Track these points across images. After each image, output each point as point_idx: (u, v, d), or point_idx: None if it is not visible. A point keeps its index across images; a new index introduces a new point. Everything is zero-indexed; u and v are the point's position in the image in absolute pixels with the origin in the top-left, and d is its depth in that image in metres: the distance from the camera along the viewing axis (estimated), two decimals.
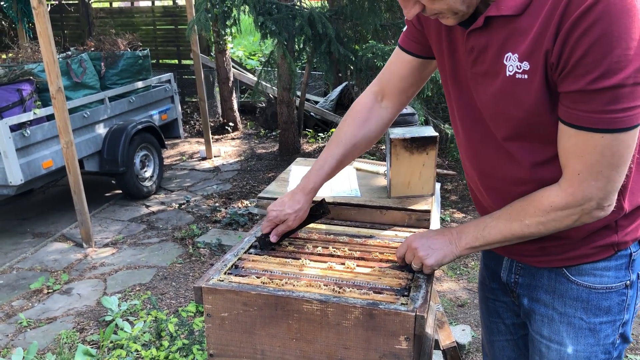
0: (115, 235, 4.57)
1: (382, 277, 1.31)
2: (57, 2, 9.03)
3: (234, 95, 7.76)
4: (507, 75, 1.07)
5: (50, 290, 3.70)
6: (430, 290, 1.28)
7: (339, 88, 7.43)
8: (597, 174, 1.03)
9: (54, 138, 4.38)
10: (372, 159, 5.70)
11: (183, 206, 5.16)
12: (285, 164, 6.26)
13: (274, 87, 6.72)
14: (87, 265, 4.05)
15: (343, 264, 1.37)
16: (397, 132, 1.68)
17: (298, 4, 5.61)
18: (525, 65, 1.03)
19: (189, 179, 6.03)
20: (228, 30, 5.34)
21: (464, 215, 4.69)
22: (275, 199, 1.73)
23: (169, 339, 2.90)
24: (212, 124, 7.62)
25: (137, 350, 2.83)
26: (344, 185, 1.84)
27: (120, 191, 5.43)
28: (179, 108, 6.26)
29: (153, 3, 9.18)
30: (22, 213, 5.17)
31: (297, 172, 2.00)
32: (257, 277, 1.30)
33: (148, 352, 2.79)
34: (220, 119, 7.99)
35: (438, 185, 1.90)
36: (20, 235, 4.66)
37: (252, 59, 10.70)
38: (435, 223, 1.71)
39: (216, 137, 7.54)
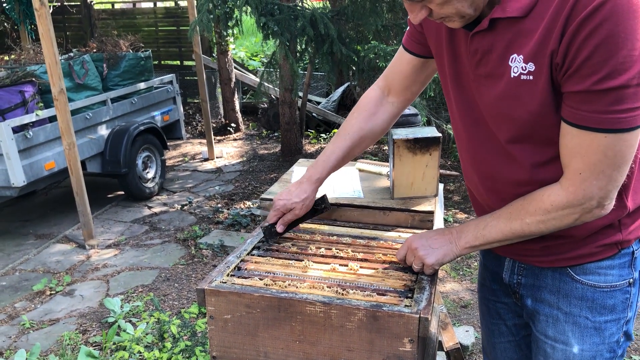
0: (118, 237, 4.57)
1: (385, 278, 1.31)
2: (59, 4, 9.05)
3: (236, 96, 7.76)
4: (512, 76, 1.07)
5: (52, 292, 3.70)
6: (434, 292, 1.28)
7: (341, 89, 7.42)
8: (598, 174, 1.03)
9: (56, 139, 4.38)
10: (375, 159, 5.69)
11: (185, 207, 5.16)
12: (287, 164, 6.25)
13: (276, 88, 6.71)
14: (90, 267, 4.05)
15: (346, 265, 1.36)
16: (400, 133, 1.67)
17: (300, 4, 5.61)
18: (531, 67, 1.04)
19: (191, 180, 6.03)
20: (230, 31, 5.34)
21: (466, 215, 4.68)
22: None
23: (171, 340, 2.90)
24: (214, 125, 7.63)
25: (139, 352, 2.83)
26: (346, 187, 1.83)
27: (123, 192, 5.43)
28: (181, 109, 6.26)
29: (155, 4, 9.18)
30: (24, 214, 5.17)
31: (300, 173, 2.00)
32: (260, 279, 1.29)
33: (151, 353, 2.78)
34: (223, 120, 7.99)
35: (441, 186, 1.90)
36: (22, 236, 4.67)
37: (254, 60, 10.70)
38: (438, 224, 1.70)
39: (218, 138, 7.54)
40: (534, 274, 1.31)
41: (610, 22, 0.91)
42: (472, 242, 1.22)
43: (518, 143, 1.14)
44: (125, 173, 5.00)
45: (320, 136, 7.23)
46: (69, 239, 4.55)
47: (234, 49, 8.97)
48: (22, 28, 6.50)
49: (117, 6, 9.95)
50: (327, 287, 1.25)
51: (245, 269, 1.36)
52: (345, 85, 7.36)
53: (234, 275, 1.33)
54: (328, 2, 6.79)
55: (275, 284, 1.26)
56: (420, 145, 1.65)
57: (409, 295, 1.23)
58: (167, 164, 6.09)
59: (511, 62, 1.06)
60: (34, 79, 4.40)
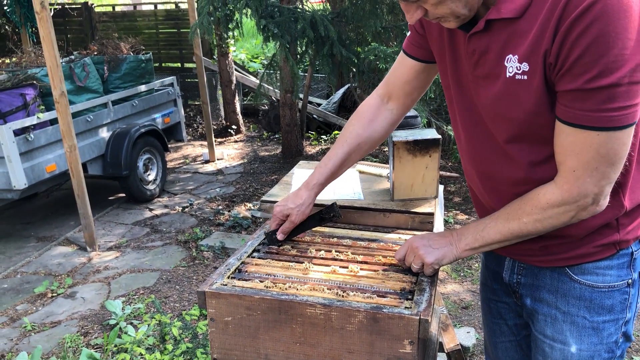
0: (119, 239, 4.57)
1: (385, 280, 1.31)
2: (60, 7, 9.07)
3: (237, 98, 7.77)
4: (508, 76, 1.08)
5: (54, 294, 3.71)
6: (434, 294, 1.28)
7: (342, 90, 7.43)
8: (592, 171, 1.05)
9: (57, 142, 4.39)
10: (376, 161, 5.70)
11: (186, 209, 5.16)
12: (288, 166, 6.26)
13: (276, 90, 6.72)
14: (91, 269, 4.06)
15: (346, 267, 1.37)
16: (400, 135, 1.68)
17: (300, 6, 5.62)
18: (525, 66, 1.05)
19: (192, 182, 6.03)
20: (230, 33, 5.35)
21: (467, 217, 4.68)
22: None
23: (172, 342, 2.90)
24: (215, 127, 7.64)
25: (141, 354, 2.83)
26: (347, 189, 1.83)
27: (124, 195, 5.43)
28: (182, 111, 6.27)
29: (156, 7, 9.19)
30: (26, 217, 5.18)
31: (300, 175, 2.00)
32: (261, 281, 1.30)
33: (152, 355, 2.79)
34: (223, 121, 8.00)
35: (441, 188, 1.90)
36: (24, 239, 4.68)
37: (254, 62, 10.71)
38: (438, 226, 1.71)
39: (219, 140, 7.55)
40: (533, 273, 1.31)
41: (601, 22, 0.92)
42: (471, 244, 1.23)
43: (516, 143, 1.15)
44: (127, 175, 5.01)
45: (321, 138, 7.24)
46: (70, 242, 4.56)
47: (234, 51, 8.98)
48: (23, 31, 6.52)
49: (117, 9, 9.98)
50: (328, 289, 1.25)
51: (246, 271, 1.36)
52: (346, 87, 7.36)
53: (234, 278, 1.33)
54: (328, 4, 6.80)
55: (275, 286, 1.27)
56: (420, 147, 1.65)
57: (409, 297, 1.23)
58: (168, 166, 6.10)
59: (507, 62, 1.08)
60: (35, 82, 4.41)
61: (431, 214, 1.62)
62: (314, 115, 7.39)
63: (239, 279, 1.32)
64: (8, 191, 4.16)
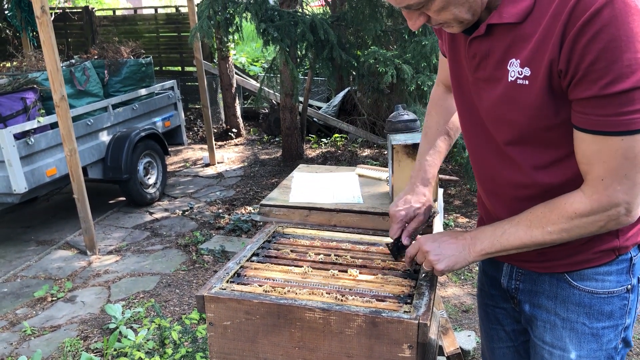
0: (119, 243, 4.57)
1: (384, 284, 1.31)
2: (60, 11, 9.09)
3: (237, 101, 7.78)
4: (509, 80, 1.07)
5: (54, 298, 3.71)
6: (433, 298, 1.28)
7: (342, 93, 7.44)
8: (621, 178, 1.01)
9: (57, 146, 4.40)
10: (375, 164, 5.69)
11: (186, 213, 5.16)
12: (288, 169, 6.26)
13: (276, 94, 6.73)
14: (91, 273, 4.05)
15: (345, 271, 1.37)
16: (399, 139, 1.68)
17: (300, 10, 5.63)
18: (527, 71, 1.04)
19: (192, 185, 6.03)
20: (230, 37, 5.36)
21: (467, 219, 4.68)
22: (278, 206, 1.74)
23: (172, 346, 2.90)
24: (215, 130, 7.64)
25: (140, 358, 2.82)
26: (346, 192, 1.83)
27: (124, 198, 5.44)
28: (182, 115, 6.27)
29: (156, 11, 9.21)
30: (26, 221, 5.18)
31: (300, 178, 2.00)
32: (260, 286, 1.30)
33: (152, 359, 2.78)
34: (224, 125, 8.01)
35: (441, 191, 1.90)
36: (24, 243, 4.68)
37: (255, 66, 10.73)
38: (438, 229, 1.70)
39: (219, 143, 7.55)
40: (531, 279, 1.30)
41: (611, 27, 0.91)
42: (487, 249, 1.19)
43: (517, 145, 1.14)
44: (127, 179, 5.01)
45: (321, 141, 7.24)
46: (71, 245, 4.56)
47: (234, 54, 8.99)
48: (24, 35, 6.53)
49: (118, 12, 9.99)
50: (327, 293, 1.25)
51: (245, 276, 1.36)
52: (346, 90, 7.37)
53: (233, 282, 1.33)
54: (328, 8, 6.82)
55: (274, 290, 1.27)
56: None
57: (408, 301, 1.23)
58: (168, 170, 6.10)
59: (509, 66, 1.07)
60: (35, 86, 4.42)
61: None
62: (314, 119, 7.40)
63: (238, 283, 1.32)
64: (8, 195, 4.16)
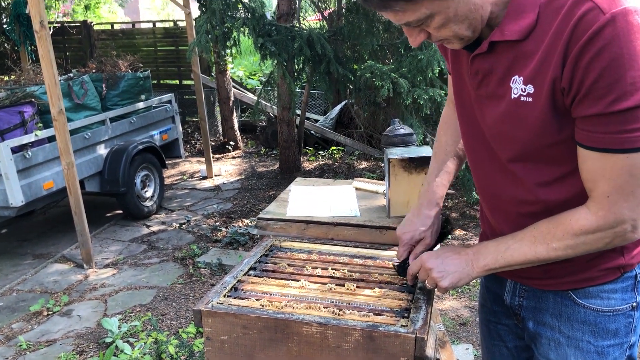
0: (116, 256, 4.56)
1: (382, 298, 1.31)
2: (59, 25, 9.14)
3: (235, 114, 7.81)
4: (512, 97, 1.07)
5: (50, 312, 3.69)
6: (431, 311, 1.28)
7: (339, 106, 7.47)
8: (628, 195, 1.01)
9: (55, 159, 4.40)
10: (373, 177, 5.71)
11: (184, 226, 5.16)
12: (285, 182, 6.27)
13: (274, 107, 6.76)
14: (88, 287, 4.04)
15: (343, 285, 1.37)
16: (396, 152, 1.69)
17: (297, 25, 5.68)
18: (530, 88, 1.04)
19: (189, 198, 6.03)
20: (228, 51, 5.40)
21: (464, 232, 4.69)
22: (275, 219, 1.74)
23: None
24: (212, 143, 7.66)
25: None
26: (343, 206, 1.84)
27: (121, 211, 5.43)
28: (180, 128, 6.29)
29: (154, 25, 9.27)
30: (22, 234, 5.17)
31: (297, 192, 2.01)
32: (257, 300, 1.30)
33: None
34: (221, 138, 8.03)
35: None
36: (20, 256, 4.66)
37: (252, 79, 10.78)
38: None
39: (217, 156, 7.57)
40: (535, 296, 1.29)
41: (614, 45, 0.91)
42: (491, 264, 1.18)
43: (520, 162, 1.14)
44: (124, 192, 5.01)
45: (319, 153, 7.26)
46: (67, 259, 4.54)
47: (232, 68, 9.04)
48: (22, 49, 6.56)
49: (116, 27, 10.07)
50: (324, 307, 1.25)
51: (242, 290, 1.36)
52: (343, 103, 7.41)
53: (230, 296, 1.33)
54: (324, 23, 6.87)
55: (271, 304, 1.27)
56: (415, 164, 1.66)
57: (406, 315, 1.23)
58: (165, 183, 6.10)
59: (512, 83, 1.07)
60: (33, 100, 4.43)
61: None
62: (312, 131, 7.43)
63: (235, 298, 1.32)
64: (5, 208, 4.16)
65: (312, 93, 7.94)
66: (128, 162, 4.98)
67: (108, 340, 3.24)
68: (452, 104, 1.53)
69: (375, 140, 6.78)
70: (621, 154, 0.99)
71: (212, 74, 7.98)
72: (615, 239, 1.07)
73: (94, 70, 5.55)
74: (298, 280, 1.40)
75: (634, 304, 1.21)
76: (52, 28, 7.15)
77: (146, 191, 5.43)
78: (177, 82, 9.08)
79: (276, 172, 6.74)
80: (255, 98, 7.29)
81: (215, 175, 6.73)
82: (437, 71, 4.59)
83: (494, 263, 1.18)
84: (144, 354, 2.98)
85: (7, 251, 4.77)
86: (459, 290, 3.78)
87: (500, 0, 1.04)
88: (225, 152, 7.77)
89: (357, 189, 2.03)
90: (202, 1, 7.39)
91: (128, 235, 5.03)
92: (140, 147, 5.19)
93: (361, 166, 6.72)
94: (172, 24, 9.20)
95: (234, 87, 7.87)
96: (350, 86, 5.21)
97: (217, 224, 5.13)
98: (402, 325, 1.17)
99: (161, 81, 9.11)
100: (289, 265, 1.50)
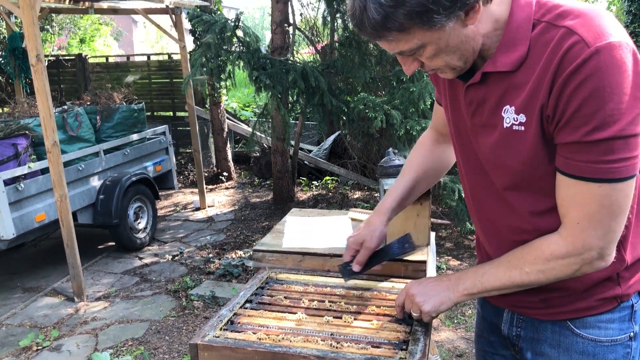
0: (108, 289, 4.50)
1: (380, 330, 1.30)
2: (54, 58, 9.22)
3: (228, 145, 7.84)
4: (505, 127, 1.11)
5: (39, 347, 3.61)
6: (429, 343, 1.27)
7: (332, 137, 7.53)
8: (596, 223, 1.05)
9: (48, 191, 4.38)
10: (366, 207, 5.71)
11: (176, 258, 5.11)
12: (279, 212, 6.25)
13: (268, 137, 6.80)
14: (78, 320, 3.97)
15: (340, 317, 1.36)
16: (391, 183, 1.70)
17: (291, 58, 5.76)
18: (522, 118, 1.07)
19: (182, 229, 6.00)
20: (223, 83, 5.46)
21: (459, 262, 4.68)
22: (271, 251, 1.74)
23: None
24: (206, 174, 7.66)
25: None
26: (339, 237, 1.84)
27: (114, 243, 5.38)
28: (174, 159, 6.30)
29: (149, 58, 9.37)
30: (12, 267, 5.09)
31: (293, 223, 2.01)
32: (254, 333, 1.28)
33: None
34: (215, 168, 8.04)
35: (432, 234, 1.91)
36: (10, 290, 4.58)
37: (246, 110, 10.87)
38: (431, 273, 1.71)
39: (210, 187, 7.56)
40: (533, 326, 1.29)
41: (596, 77, 0.95)
42: (470, 289, 1.22)
43: (515, 191, 1.16)
44: (117, 224, 4.98)
45: (312, 183, 7.27)
46: (58, 292, 4.47)
47: (226, 100, 9.12)
48: (17, 82, 6.59)
49: (111, 59, 10.15)
50: (321, 340, 1.24)
51: (239, 323, 1.35)
52: (336, 133, 7.47)
53: (227, 329, 1.32)
54: (317, 56, 6.98)
55: (268, 337, 1.26)
56: None
57: (404, 347, 1.22)
58: (158, 214, 6.07)
59: (504, 113, 1.10)
60: (27, 132, 4.44)
61: (424, 262, 1.63)
62: (305, 162, 7.46)
63: (231, 331, 1.31)
64: None
65: (305, 124, 8.01)
66: (121, 193, 4.97)
67: None
68: (435, 131, 1.58)
69: (368, 170, 6.82)
70: (594, 183, 1.02)
71: (206, 106, 8.05)
72: (583, 265, 1.09)
73: (88, 103, 5.58)
74: (295, 313, 1.39)
75: (632, 334, 1.22)
76: (47, 61, 7.22)
77: (139, 223, 5.40)
78: (171, 113, 9.13)
79: (270, 202, 6.73)
80: (249, 129, 7.34)
81: (209, 206, 6.72)
82: (429, 103, 4.65)
83: (472, 287, 1.21)
84: None
85: None
86: (455, 321, 3.75)
87: (491, 33, 1.08)
88: (218, 183, 7.77)
89: (353, 219, 2.03)
90: (196, 35, 7.52)
91: (120, 267, 4.97)
92: (134, 178, 5.19)
93: (355, 196, 6.73)
94: (166, 57, 9.30)
95: (227, 118, 7.92)
96: (344, 117, 5.26)
97: (210, 255, 5.09)
98: (400, 358, 1.17)
99: (155, 113, 9.15)
100: (285, 297, 1.49)
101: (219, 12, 7.29)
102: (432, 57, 1.07)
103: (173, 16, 6.08)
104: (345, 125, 5.55)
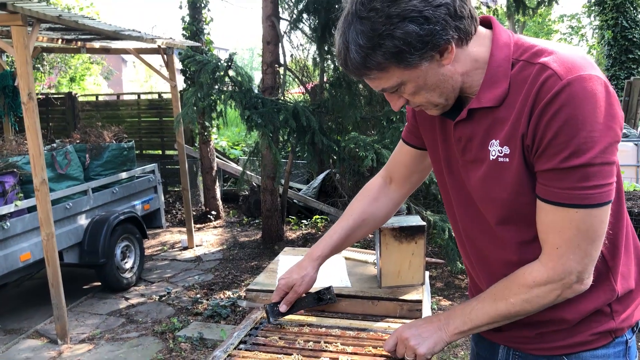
0: (93, 330, 4.38)
1: None
2: (44, 96, 9.24)
3: (217, 184, 7.82)
4: (491, 159, 1.15)
5: None
6: None
7: (322, 175, 7.56)
8: (575, 248, 1.08)
9: (34, 230, 4.31)
10: (356, 246, 5.68)
11: (163, 298, 5.01)
12: (268, 251, 6.20)
13: (258, 176, 6.82)
14: None
15: (337, 359, 1.33)
16: (387, 222, 1.70)
17: (282, 98, 5.84)
18: (506, 149, 1.12)
19: (169, 269, 5.90)
20: (214, 122, 5.50)
21: (450, 302, 4.64)
22: (264, 290, 1.72)
23: None
24: (194, 213, 7.60)
25: None
26: (333, 276, 1.82)
27: (99, 283, 5.27)
28: (162, 198, 6.26)
29: (139, 96, 9.43)
30: None
31: (286, 262, 1.99)
32: None
33: None
34: (203, 207, 7.99)
35: (427, 274, 1.90)
36: None
37: (235, 149, 10.90)
38: (427, 312, 1.69)
39: (198, 225, 7.49)
40: None
41: (569, 107, 1.01)
42: (460, 327, 1.23)
43: (505, 225, 1.19)
44: (104, 263, 4.89)
45: (302, 222, 7.24)
46: (40, 334, 4.34)
47: (216, 138, 9.15)
48: (6, 120, 6.57)
49: (101, 98, 10.20)
50: None
51: None
52: (326, 172, 7.50)
53: None
54: (308, 96, 7.09)
55: None
56: (406, 233, 1.68)
57: None
58: (145, 253, 5.98)
59: (490, 146, 1.15)
60: (15, 170, 4.40)
61: (419, 302, 1.62)
62: (295, 200, 7.45)
63: None
64: None
65: (295, 162, 8.04)
66: (109, 232, 4.90)
67: None
68: (387, 177, 1.59)
69: None
70: (571, 209, 1.06)
71: (196, 144, 8.07)
72: (564, 290, 1.12)
73: (78, 141, 5.56)
74: (290, 354, 1.36)
75: None
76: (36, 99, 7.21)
77: (126, 262, 5.31)
78: (160, 152, 9.14)
79: (258, 241, 6.68)
80: (238, 168, 7.35)
81: (197, 246, 6.64)
82: None
83: (462, 325, 1.23)
84: None
85: None
86: (450, 358, 3.69)
87: (472, 72, 1.14)
88: (206, 222, 7.71)
89: (346, 258, 2.02)
90: (187, 74, 7.60)
91: (106, 308, 4.86)
92: (122, 217, 5.13)
93: None
94: (157, 95, 9.37)
95: (217, 157, 7.93)
96: (334, 156, 5.30)
97: (198, 296, 5.00)
98: None
99: (144, 151, 9.15)
100: (280, 338, 1.47)
101: (210, 53, 7.41)
102: (413, 94, 1.14)
103: (165, 56, 6.16)
104: (336, 164, 5.59)
